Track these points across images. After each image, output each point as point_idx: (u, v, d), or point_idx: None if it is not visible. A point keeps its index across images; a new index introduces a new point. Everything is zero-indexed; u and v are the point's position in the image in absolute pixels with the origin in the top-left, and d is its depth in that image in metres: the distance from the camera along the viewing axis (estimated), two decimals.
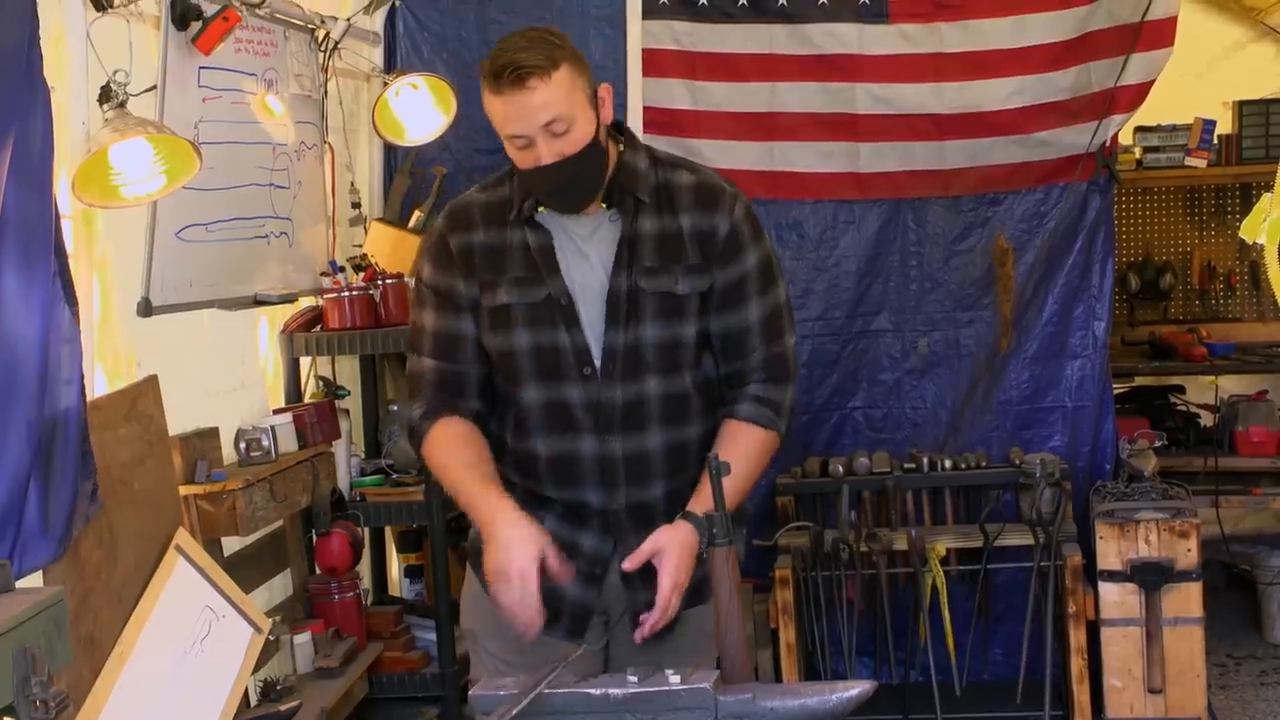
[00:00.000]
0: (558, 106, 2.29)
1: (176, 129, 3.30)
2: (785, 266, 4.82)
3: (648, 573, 2.42)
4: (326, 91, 4.46)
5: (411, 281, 3.40)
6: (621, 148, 2.45)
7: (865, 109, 4.77)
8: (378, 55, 4.80)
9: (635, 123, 4.82)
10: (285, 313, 4.31)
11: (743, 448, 2.47)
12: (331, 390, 4.36)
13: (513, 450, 2.53)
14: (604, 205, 2.44)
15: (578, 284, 2.43)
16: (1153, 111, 5.19)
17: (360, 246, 4.61)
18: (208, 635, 3.07)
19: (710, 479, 2.22)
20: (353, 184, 4.63)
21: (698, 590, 2.47)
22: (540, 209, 2.42)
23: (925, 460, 4.75)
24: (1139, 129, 5.97)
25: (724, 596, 2.25)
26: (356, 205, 4.61)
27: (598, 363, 2.43)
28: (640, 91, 4.81)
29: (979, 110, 4.71)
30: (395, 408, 4.49)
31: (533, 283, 2.42)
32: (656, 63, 4.77)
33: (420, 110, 4.51)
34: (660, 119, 4.84)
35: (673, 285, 2.42)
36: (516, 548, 2.29)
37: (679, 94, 4.82)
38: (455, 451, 2.40)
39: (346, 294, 4.24)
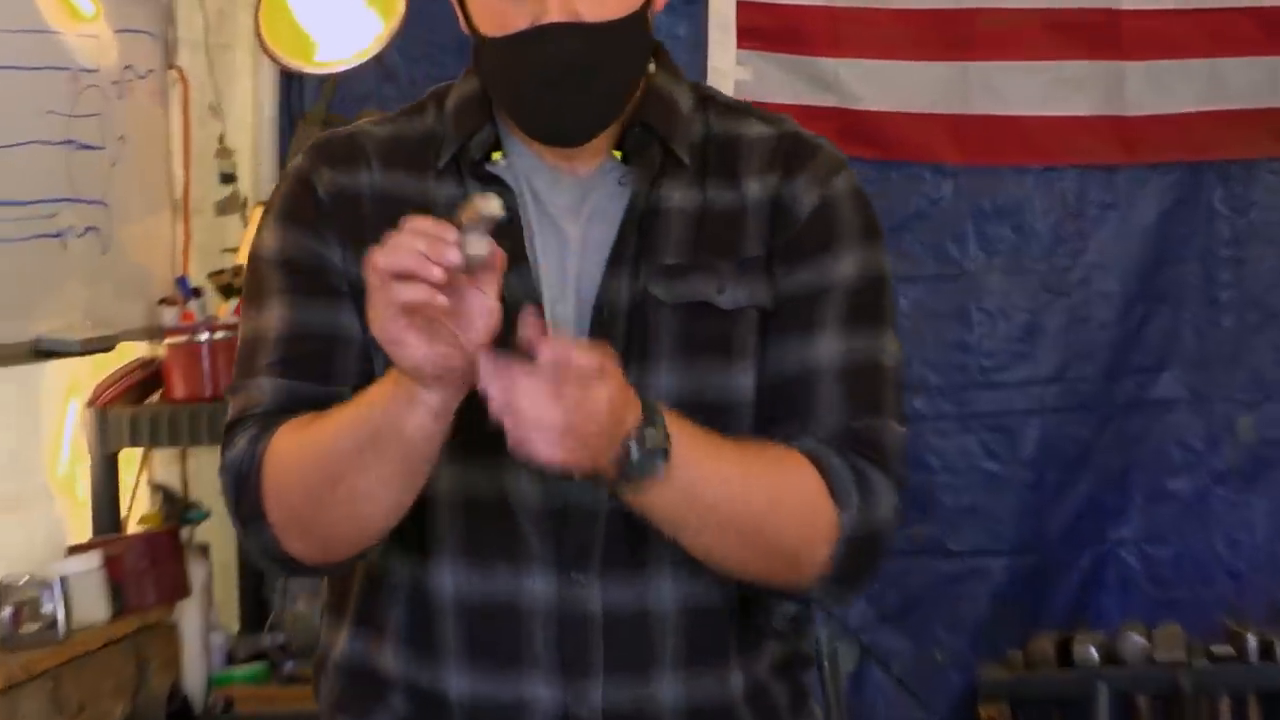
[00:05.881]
0: None
1: None
2: (994, 281, 4.25)
3: None
4: None
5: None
6: (653, 69, 1.97)
7: (1133, 2, 4.16)
8: None
9: (724, 33, 4.17)
10: (98, 370, 3.79)
11: (779, 474, 1.92)
12: (177, 511, 3.90)
13: (393, 591, 2.01)
14: (615, 154, 1.94)
15: (547, 286, 1.95)
16: None
17: (234, 251, 3.99)
18: None
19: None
20: (223, 141, 4.11)
21: None
22: (497, 154, 1.93)
23: (1252, 640, 4.14)
24: None
25: None
26: (229, 178, 4.08)
27: None
28: None
29: None
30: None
31: None
32: None
33: (341, 10, 3.87)
34: (767, 25, 4.16)
35: (711, 292, 1.95)
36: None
37: None
38: (311, 425, 1.88)
39: (206, 337, 3.70)
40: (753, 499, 1.91)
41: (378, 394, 1.81)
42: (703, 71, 4.16)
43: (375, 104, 3.99)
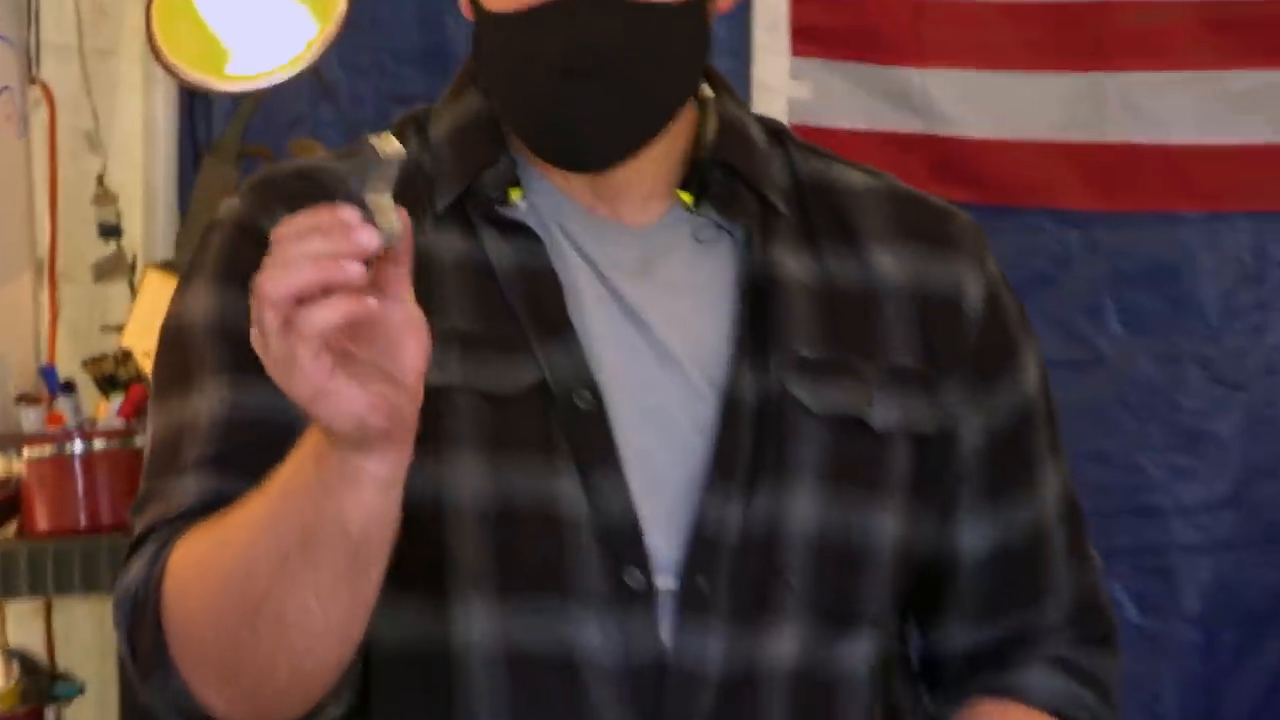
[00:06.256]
0: None
1: None
2: (1142, 369, 3.81)
3: None
4: None
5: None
6: (712, 93, 1.89)
7: None
8: None
9: (775, 36, 3.78)
10: None
11: None
12: (40, 685, 3.70)
13: None
14: (683, 196, 1.82)
15: (612, 371, 1.80)
16: None
17: (118, 330, 3.64)
18: None
19: None
20: (103, 181, 3.72)
21: None
22: (515, 191, 1.82)
23: None
24: None
25: None
26: (111, 232, 3.71)
27: (662, 563, 1.76)
28: None
29: None
30: None
31: (501, 347, 1.78)
32: None
33: (263, 7, 3.52)
34: (830, 24, 3.75)
35: (862, 405, 1.82)
36: None
37: None
38: (215, 529, 1.72)
39: (80, 448, 3.46)
40: None
41: (296, 478, 1.65)
42: (745, 88, 3.65)
43: (308, 130, 3.71)
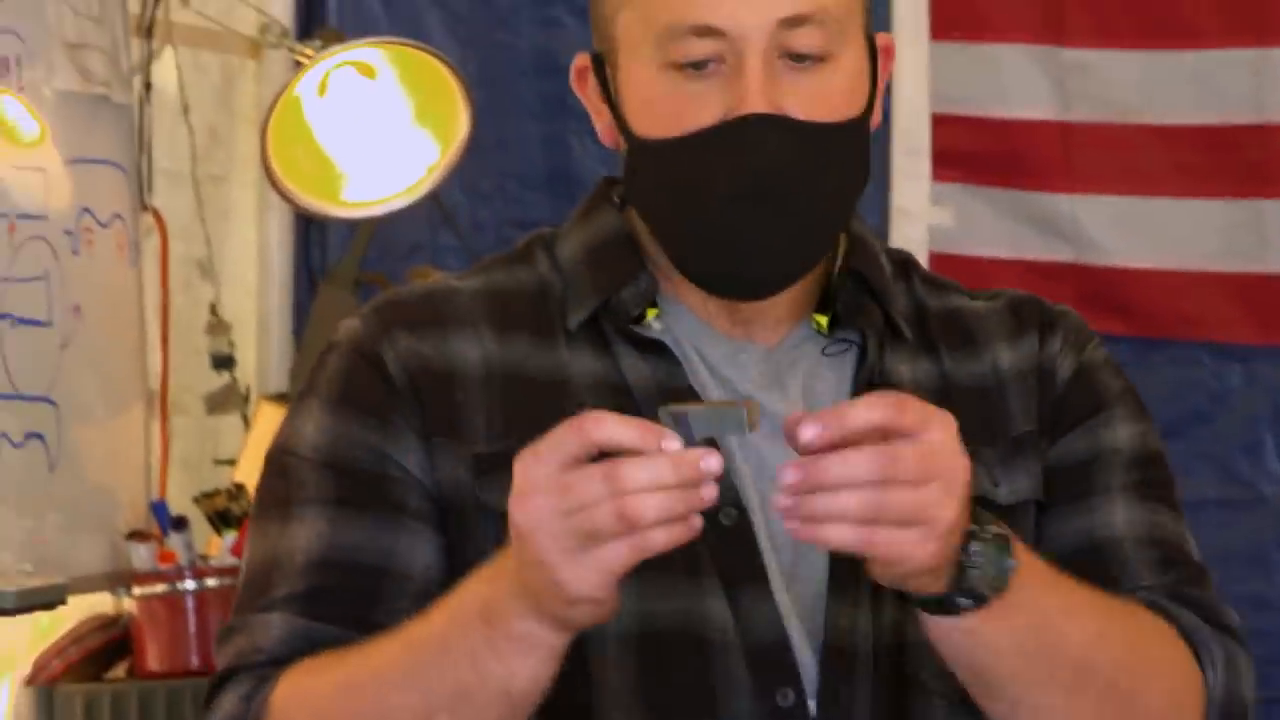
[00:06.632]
0: (826, 2, 1.80)
1: None
2: None
3: None
4: (151, 86, 3.68)
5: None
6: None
7: None
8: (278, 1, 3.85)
9: (915, 160, 3.76)
10: (40, 633, 3.59)
11: (1131, 614, 1.81)
12: None
13: None
14: (819, 319, 1.87)
15: (751, 485, 1.85)
16: None
17: (232, 464, 3.73)
18: None
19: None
20: (215, 311, 3.78)
21: None
22: (651, 310, 1.85)
23: None
24: None
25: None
26: (224, 363, 3.77)
27: (809, 676, 1.78)
28: (925, 74, 3.68)
29: None
30: None
31: None
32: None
33: (381, 129, 3.52)
34: (974, 146, 3.72)
35: (986, 484, 1.86)
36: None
37: (1020, 79, 3.68)
38: (337, 669, 1.74)
39: (192, 586, 3.52)
40: (1112, 641, 1.78)
41: (457, 636, 1.67)
42: (883, 215, 3.65)
43: (427, 257, 3.74)
